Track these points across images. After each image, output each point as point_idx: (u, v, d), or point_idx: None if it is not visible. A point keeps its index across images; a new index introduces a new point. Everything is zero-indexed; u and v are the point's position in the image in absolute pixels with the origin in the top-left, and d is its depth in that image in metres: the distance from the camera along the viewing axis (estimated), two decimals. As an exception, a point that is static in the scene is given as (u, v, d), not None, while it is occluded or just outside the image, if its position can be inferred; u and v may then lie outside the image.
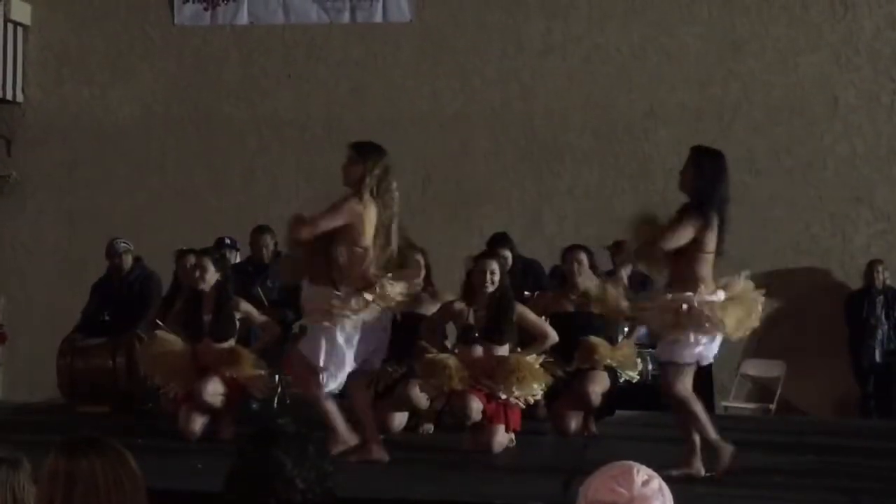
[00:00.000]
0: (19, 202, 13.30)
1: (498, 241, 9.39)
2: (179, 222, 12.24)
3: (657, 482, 2.75)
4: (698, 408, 6.92)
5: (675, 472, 6.39)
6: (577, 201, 12.47)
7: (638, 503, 2.70)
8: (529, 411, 8.02)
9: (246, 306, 8.32)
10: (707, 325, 6.73)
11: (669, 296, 6.79)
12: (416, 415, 8.37)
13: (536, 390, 7.74)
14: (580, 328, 8.34)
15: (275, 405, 9.63)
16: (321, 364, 7.05)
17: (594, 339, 8.35)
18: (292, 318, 10.28)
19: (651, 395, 10.18)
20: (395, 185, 7.13)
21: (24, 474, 3.52)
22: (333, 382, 7.15)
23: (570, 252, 8.71)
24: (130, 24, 13.24)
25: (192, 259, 8.71)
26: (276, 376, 9.42)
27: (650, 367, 10.32)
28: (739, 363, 12.11)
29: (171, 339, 8.28)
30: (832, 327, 11.89)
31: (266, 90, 13.02)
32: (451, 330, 8.39)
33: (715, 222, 6.87)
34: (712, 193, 6.92)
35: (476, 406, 7.62)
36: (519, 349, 7.83)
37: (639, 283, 10.84)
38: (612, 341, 8.61)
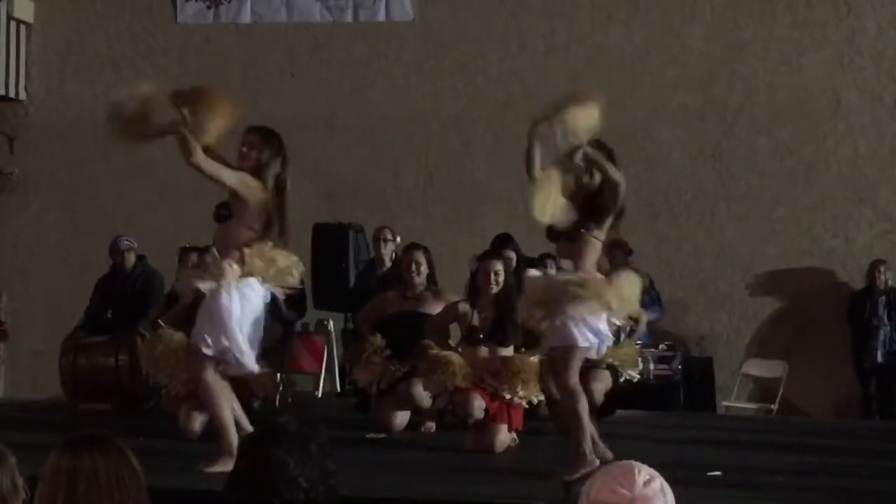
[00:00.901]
0: (22, 200, 13.31)
1: (502, 242, 9.39)
2: (181, 221, 12.23)
3: (659, 482, 2.75)
4: (582, 405, 6.75)
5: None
6: (579, 201, 12.45)
7: (640, 503, 2.70)
8: (532, 411, 8.02)
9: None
10: (588, 299, 6.62)
11: (552, 272, 6.80)
12: (418, 413, 8.38)
13: (540, 391, 7.74)
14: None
15: (276, 404, 9.65)
16: (212, 349, 6.66)
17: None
18: (294, 316, 10.30)
19: (652, 394, 10.21)
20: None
21: (9, 469, 3.49)
22: (242, 356, 6.70)
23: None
24: (133, 22, 13.25)
25: (194, 257, 8.71)
26: (278, 375, 9.44)
27: (651, 366, 10.35)
28: (741, 363, 12.12)
29: (174, 337, 8.24)
30: (834, 328, 11.90)
31: (269, 89, 13.01)
32: (454, 330, 8.40)
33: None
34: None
35: (478, 405, 7.63)
36: (523, 349, 7.83)
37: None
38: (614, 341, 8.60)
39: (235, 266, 6.65)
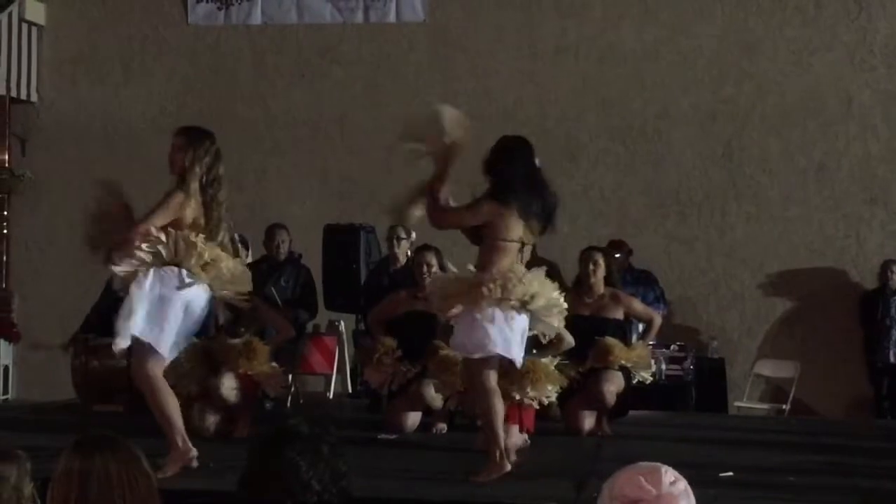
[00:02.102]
0: (34, 201, 13.33)
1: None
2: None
3: (683, 484, 2.76)
4: (498, 406, 6.67)
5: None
6: (590, 202, 12.46)
7: (665, 501, 2.71)
8: (543, 411, 8.01)
9: (259, 303, 8.28)
10: (498, 292, 6.45)
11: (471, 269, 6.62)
12: (429, 414, 8.37)
13: (550, 392, 7.73)
14: (595, 331, 8.34)
15: (288, 405, 9.66)
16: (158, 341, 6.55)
17: (610, 339, 8.35)
18: (305, 317, 10.31)
19: (664, 394, 10.20)
20: (223, 172, 6.73)
21: (23, 474, 3.49)
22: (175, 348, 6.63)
23: (586, 254, 8.70)
24: (144, 23, 13.27)
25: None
26: (290, 376, 9.44)
27: (663, 366, 10.33)
28: (753, 363, 12.11)
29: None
30: (846, 328, 11.88)
31: (279, 90, 13.04)
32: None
33: (514, 210, 6.61)
34: (512, 180, 6.72)
35: (489, 406, 7.60)
36: (535, 350, 7.80)
37: (637, 280, 10.85)
38: (627, 342, 8.61)
39: (161, 250, 6.55)
